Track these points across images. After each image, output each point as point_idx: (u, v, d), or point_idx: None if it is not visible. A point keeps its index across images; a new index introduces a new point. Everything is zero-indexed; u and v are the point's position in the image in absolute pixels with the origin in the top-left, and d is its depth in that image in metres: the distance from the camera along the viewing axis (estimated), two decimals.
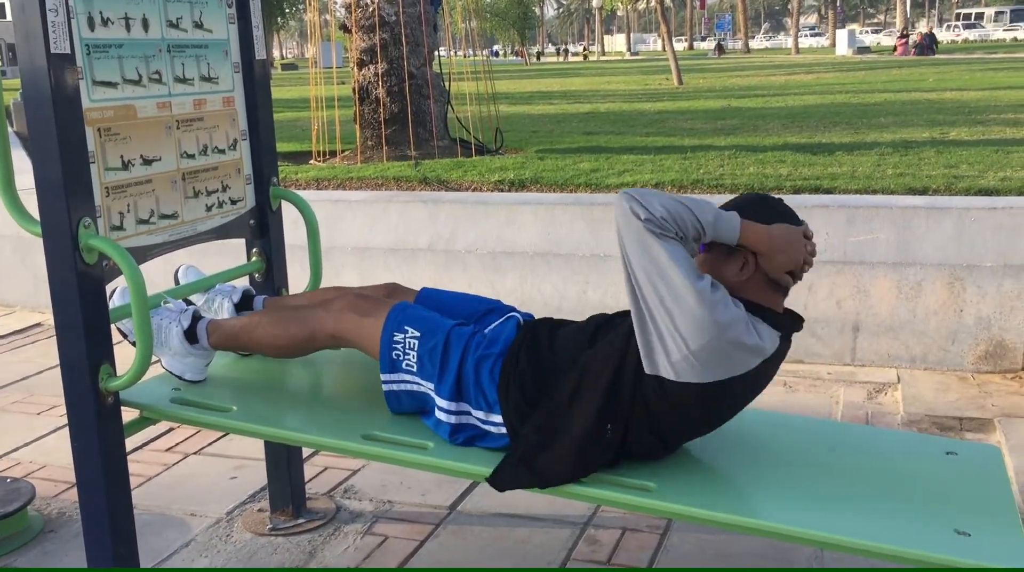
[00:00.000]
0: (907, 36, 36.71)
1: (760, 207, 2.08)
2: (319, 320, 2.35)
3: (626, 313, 2.09)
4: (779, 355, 2.08)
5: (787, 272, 2.06)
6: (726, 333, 1.93)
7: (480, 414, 2.18)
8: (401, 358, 2.24)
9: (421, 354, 2.22)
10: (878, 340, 4.31)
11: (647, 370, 2.01)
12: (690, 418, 2.10)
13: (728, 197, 4.82)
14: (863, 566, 2.59)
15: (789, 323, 2.10)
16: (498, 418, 2.16)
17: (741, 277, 2.03)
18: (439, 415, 2.21)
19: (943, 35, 62.36)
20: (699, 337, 1.93)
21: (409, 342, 2.24)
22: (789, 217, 2.09)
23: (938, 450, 2.37)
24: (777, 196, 2.16)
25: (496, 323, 2.37)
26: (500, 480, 2.10)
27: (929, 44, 33.89)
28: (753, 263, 2.03)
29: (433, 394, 2.22)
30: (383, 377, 2.28)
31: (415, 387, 2.26)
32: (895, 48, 36.08)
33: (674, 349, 1.96)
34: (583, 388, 2.07)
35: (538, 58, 61.84)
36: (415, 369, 2.24)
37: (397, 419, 2.30)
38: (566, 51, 66.89)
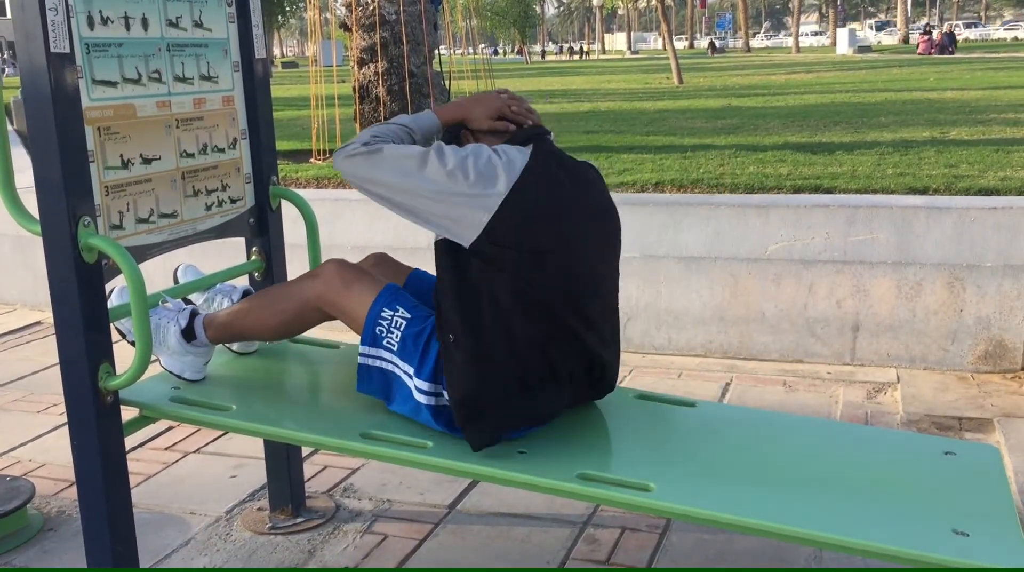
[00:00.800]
0: (930, 33, 35.78)
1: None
2: (307, 289, 2.34)
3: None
4: (539, 166, 2.15)
5: (497, 119, 2.29)
6: (467, 170, 2.09)
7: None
8: (384, 335, 2.24)
9: (406, 336, 2.22)
10: (878, 340, 4.31)
11: (463, 244, 2.11)
12: (527, 259, 2.13)
13: (728, 196, 4.81)
14: (861, 566, 2.60)
15: (523, 134, 2.26)
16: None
17: (473, 137, 2.29)
18: (419, 397, 2.20)
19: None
20: (452, 184, 2.09)
21: (396, 321, 2.23)
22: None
23: (937, 450, 2.37)
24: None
25: None
26: (472, 439, 2.14)
27: (948, 43, 33.60)
28: (470, 134, 2.30)
29: (409, 378, 2.22)
30: (361, 349, 2.27)
31: (390, 367, 2.25)
32: (918, 46, 35.22)
33: (458, 227, 2.11)
34: (448, 322, 2.14)
35: (543, 56, 61.80)
36: (395, 348, 2.23)
37: (396, 418, 2.30)
38: (571, 49, 66.76)
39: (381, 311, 2.25)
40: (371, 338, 2.25)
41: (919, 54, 32.64)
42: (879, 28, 68.17)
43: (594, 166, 2.33)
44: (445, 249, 2.15)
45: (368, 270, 2.41)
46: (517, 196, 2.09)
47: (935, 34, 35.48)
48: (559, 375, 2.18)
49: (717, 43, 55.43)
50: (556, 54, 65.83)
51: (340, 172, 2.21)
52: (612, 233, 2.33)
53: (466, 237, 2.09)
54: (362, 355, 2.28)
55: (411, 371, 2.22)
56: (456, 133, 2.34)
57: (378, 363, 2.26)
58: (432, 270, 2.30)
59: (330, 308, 2.33)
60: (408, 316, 2.24)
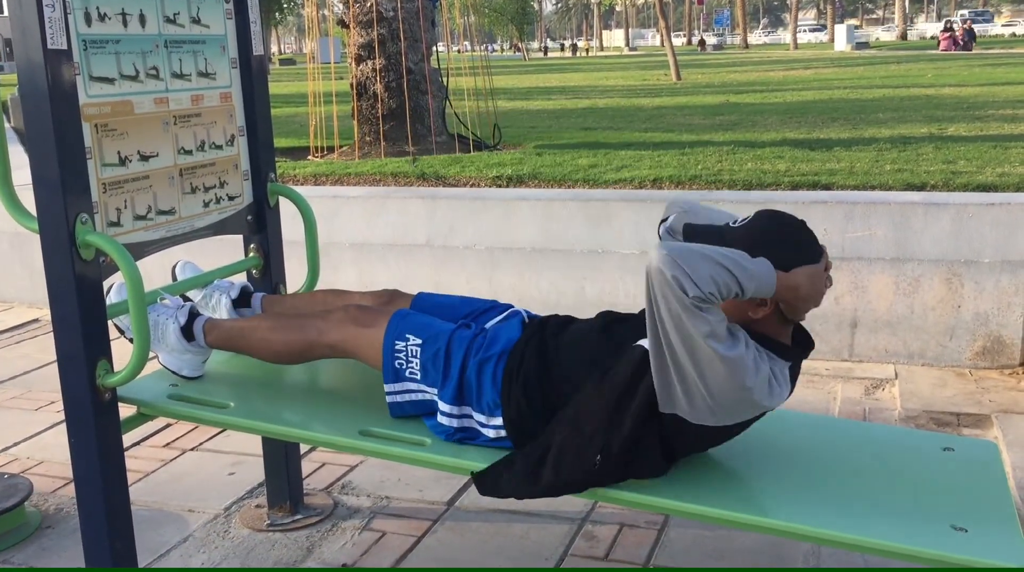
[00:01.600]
0: (952, 29, 34.16)
1: (784, 242, 2.01)
2: (318, 331, 2.34)
3: (637, 317, 2.07)
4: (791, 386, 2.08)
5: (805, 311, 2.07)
6: (751, 396, 1.94)
7: (481, 417, 2.18)
8: (404, 367, 2.24)
9: (424, 361, 2.21)
10: (876, 336, 4.31)
11: (662, 409, 1.99)
12: (702, 441, 2.11)
13: (726, 193, 4.80)
14: (860, 562, 2.60)
15: (798, 353, 2.10)
16: (498, 421, 2.16)
17: (759, 314, 2.01)
18: (441, 419, 2.21)
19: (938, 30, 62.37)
20: (725, 396, 1.93)
21: (411, 350, 2.23)
22: (810, 252, 2.03)
23: (935, 446, 2.37)
24: (800, 218, 2.10)
25: (496, 320, 2.37)
26: (484, 482, 2.11)
27: (969, 40, 32.49)
28: (772, 304, 2.00)
29: (436, 399, 2.22)
30: (387, 387, 2.26)
31: (420, 396, 2.25)
32: (938, 43, 33.78)
33: (699, 400, 1.95)
34: (585, 414, 2.05)
35: (545, 53, 61.66)
36: (419, 377, 2.23)
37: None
38: (573, 46, 66.52)
39: (394, 345, 2.25)
40: (393, 374, 2.25)
41: (941, 51, 31.38)
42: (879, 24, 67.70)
43: None
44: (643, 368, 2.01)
45: (378, 309, 2.39)
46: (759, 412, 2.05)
47: (957, 30, 34.02)
48: None
49: (708, 39, 55.38)
50: (560, 50, 65.46)
51: (663, 289, 1.85)
52: None
53: (695, 416, 1.98)
54: (389, 393, 2.27)
55: (435, 392, 2.22)
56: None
57: (408, 397, 2.27)
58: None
59: (342, 352, 2.35)
60: (420, 341, 2.23)
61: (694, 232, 2.08)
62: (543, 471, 2.06)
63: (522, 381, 2.14)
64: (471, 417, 2.19)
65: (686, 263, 1.83)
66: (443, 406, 2.20)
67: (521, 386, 2.14)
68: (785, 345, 2.06)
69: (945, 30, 34.58)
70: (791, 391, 2.07)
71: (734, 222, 2.07)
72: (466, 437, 2.20)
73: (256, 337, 2.42)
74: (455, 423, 2.19)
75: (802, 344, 2.13)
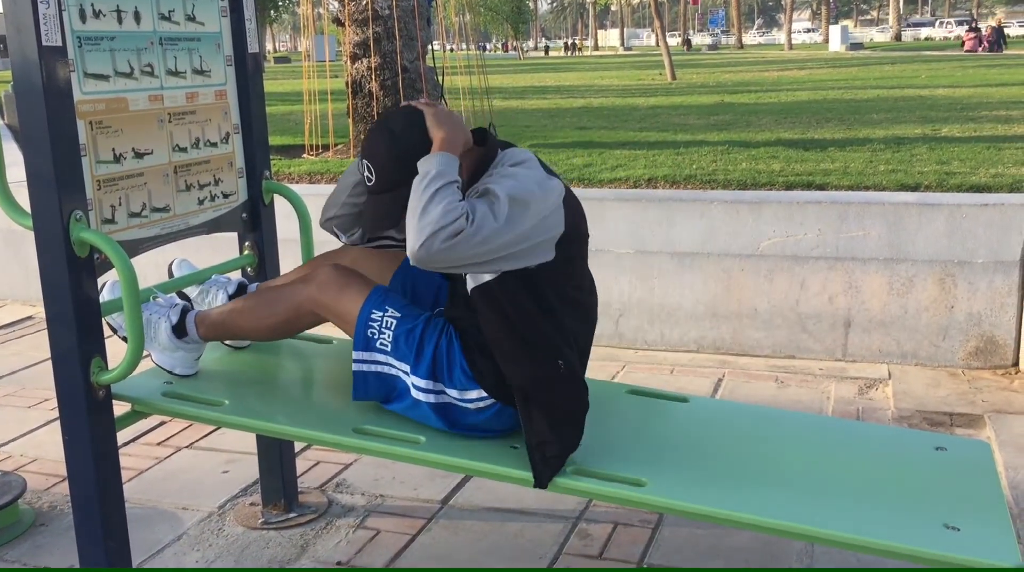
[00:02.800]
0: (977, 30, 32.64)
1: (404, 136, 2.13)
2: (301, 293, 2.34)
3: None
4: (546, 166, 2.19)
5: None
6: (545, 196, 2.07)
7: (455, 392, 2.19)
8: (376, 337, 2.23)
9: (397, 334, 2.22)
10: (869, 336, 4.32)
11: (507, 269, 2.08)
12: (559, 274, 2.15)
13: (721, 193, 4.81)
14: (853, 561, 2.61)
15: (491, 144, 2.21)
16: (474, 394, 2.18)
17: (464, 173, 2.13)
18: (416, 394, 2.21)
19: (935, 32, 62.49)
20: (503, 243, 2.02)
21: (387, 321, 2.23)
22: (410, 115, 2.15)
23: (928, 445, 2.38)
24: (406, 105, 2.22)
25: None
26: (542, 478, 2.12)
27: (997, 39, 30.93)
28: (459, 153, 2.14)
29: (406, 376, 2.22)
30: (355, 355, 2.26)
31: (386, 369, 2.24)
32: (962, 43, 32.24)
33: (541, 250, 2.09)
34: (505, 357, 2.13)
35: (546, 52, 61.59)
36: (389, 349, 2.23)
37: (389, 413, 2.30)
38: (573, 45, 66.32)
39: (371, 313, 2.24)
40: (364, 342, 2.25)
41: (966, 51, 30.06)
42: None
43: None
44: (490, 297, 2.11)
45: (361, 274, 2.39)
46: (568, 196, 2.14)
47: (985, 30, 32.44)
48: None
49: (704, 40, 55.33)
50: (565, 49, 65.19)
51: (419, 263, 2.01)
52: None
53: (546, 255, 2.10)
54: (356, 361, 2.26)
55: (407, 369, 2.22)
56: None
57: (374, 367, 2.26)
58: None
59: (323, 312, 2.33)
60: (398, 315, 2.24)
61: (376, 219, 2.22)
62: (546, 422, 2.11)
63: (478, 348, 2.18)
64: (445, 393, 2.21)
65: (431, 226, 1.95)
66: (418, 382, 2.20)
67: (479, 352, 2.18)
68: (486, 154, 2.19)
69: (970, 30, 33.08)
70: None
71: (368, 182, 2.19)
72: (448, 412, 2.21)
73: (244, 317, 2.42)
74: (432, 398, 2.20)
75: (479, 139, 2.22)
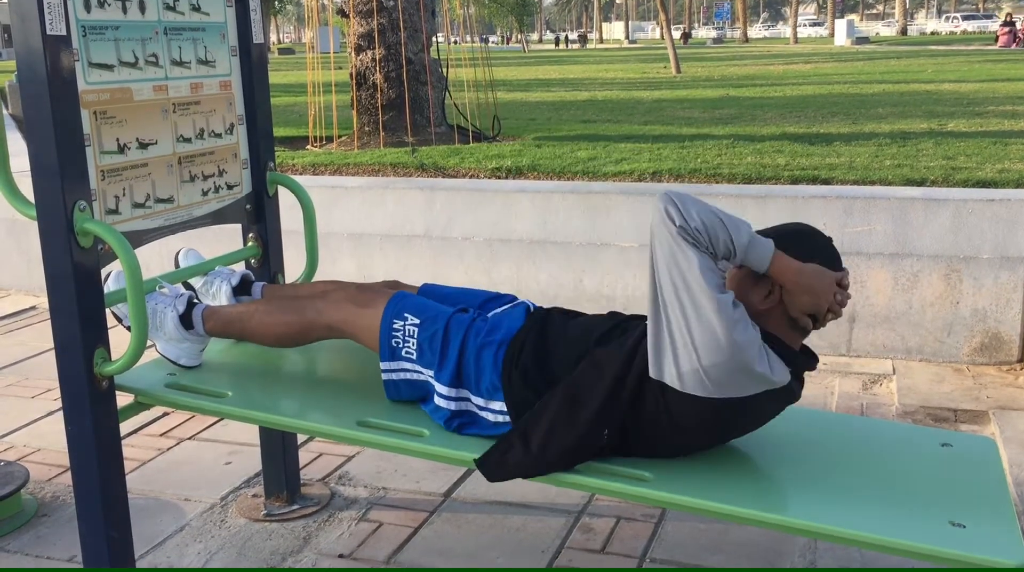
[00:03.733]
0: (1012, 24, 31.16)
1: (801, 241, 2.02)
2: (317, 310, 2.34)
3: (644, 318, 2.07)
4: (788, 392, 2.05)
5: (808, 314, 2.01)
6: (740, 353, 1.90)
7: (479, 401, 2.17)
8: (400, 346, 2.24)
9: (421, 341, 2.21)
10: (874, 331, 4.31)
11: (652, 374, 1.99)
12: (685, 431, 2.07)
13: (726, 187, 4.79)
14: (856, 557, 2.60)
15: (802, 361, 2.07)
16: (497, 405, 2.15)
17: (764, 305, 2.00)
18: (438, 401, 2.21)
19: (942, 26, 62.26)
20: (713, 352, 1.90)
21: (408, 329, 2.23)
22: (828, 258, 2.02)
23: (933, 442, 2.37)
24: (828, 235, 2.09)
25: (501, 309, 2.37)
26: (488, 465, 2.10)
27: None
28: (778, 295, 2.00)
29: (432, 381, 2.22)
30: (382, 365, 2.27)
31: (414, 376, 2.25)
32: (996, 38, 31.03)
33: (685, 359, 1.94)
34: (584, 387, 2.06)
35: (557, 44, 61.53)
36: (415, 356, 2.23)
37: (392, 406, 2.30)
38: (583, 37, 66.06)
39: (392, 323, 2.25)
40: (389, 352, 2.25)
41: (999, 47, 28.92)
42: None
43: None
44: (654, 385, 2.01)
45: (378, 289, 2.39)
46: (741, 405, 2.00)
47: (1020, 24, 31.25)
48: None
49: (710, 33, 55.17)
50: (578, 42, 64.92)
51: (655, 220, 1.91)
52: None
53: (681, 382, 1.96)
54: (384, 371, 2.27)
55: (432, 374, 2.22)
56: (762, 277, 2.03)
57: (403, 375, 2.26)
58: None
59: (339, 333, 2.35)
60: (418, 321, 2.23)
61: None
62: (540, 445, 2.06)
63: (522, 366, 2.15)
64: (469, 400, 2.19)
65: (680, 201, 1.89)
66: (440, 388, 2.20)
67: (521, 371, 2.14)
68: (792, 351, 2.04)
69: (1004, 24, 31.58)
70: (798, 395, 2.07)
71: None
72: (464, 422, 2.20)
73: (255, 321, 2.42)
74: (453, 406, 2.19)
75: (807, 355, 2.12)
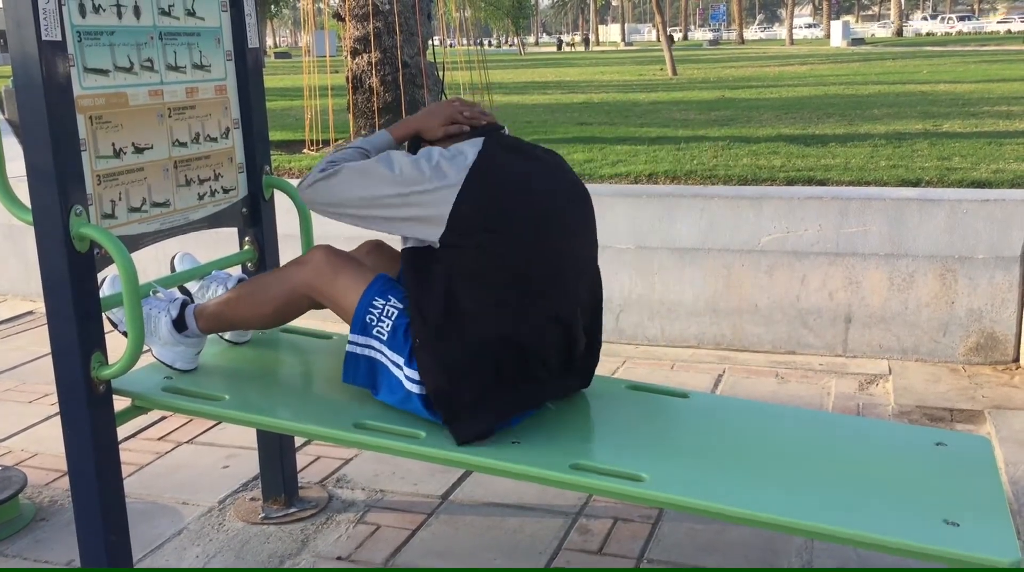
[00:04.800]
0: None
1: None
2: (295, 276, 2.34)
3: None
4: (493, 151, 2.19)
5: (451, 123, 2.32)
6: (425, 173, 2.13)
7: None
8: (374, 323, 2.23)
9: (396, 325, 2.21)
10: (870, 332, 4.32)
11: (433, 241, 2.12)
12: (489, 253, 2.15)
13: (722, 188, 4.80)
14: (852, 556, 2.61)
15: (482, 132, 2.29)
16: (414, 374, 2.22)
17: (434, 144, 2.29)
18: (409, 386, 2.20)
19: (937, 27, 62.37)
20: (423, 197, 2.12)
21: (388, 310, 2.22)
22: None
23: (928, 441, 2.38)
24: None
25: None
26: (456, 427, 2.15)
27: None
28: (427, 144, 2.31)
29: (399, 368, 2.21)
30: (350, 337, 2.26)
31: (379, 356, 2.24)
32: None
33: (425, 225, 2.13)
34: (416, 327, 2.17)
35: (559, 47, 61.59)
36: (385, 338, 2.22)
37: (389, 409, 2.30)
38: (587, 40, 65.97)
39: (373, 299, 2.24)
40: (361, 326, 2.25)
41: None
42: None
43: (557, 153, 2.36)
44: (410, 258, 2.18)
45: (358, 258, 2.40)
46: (474, 180, 2.11)
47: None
48: (532, 362, 2.21)
49: (704, 35, 55.09)
50: (585, 45, 64.72)
51: (306, 204, 2.29)
52: (588, 213, 2.36)
53: (433, 233, 2.11)
54: (351, 343, 2.27)
55: (401, 361, 2.21)
56: (415, 146, 2.36)
57: (367, 352, 2.26)
58: None
59: (319, 296, 2.33)
60: (400, 306, 2.23)
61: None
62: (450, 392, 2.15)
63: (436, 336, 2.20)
64: None
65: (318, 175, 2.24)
66: (412, 373, 2.19)
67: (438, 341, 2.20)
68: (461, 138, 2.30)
69: None
70: (487, 154, 2.19)
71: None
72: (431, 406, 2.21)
73: (240, 305, 2.42)
74: (424, 389, 2.19)
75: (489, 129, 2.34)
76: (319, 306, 2.38)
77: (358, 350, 2.26)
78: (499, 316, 2.14)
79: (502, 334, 2.14)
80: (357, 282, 2.27)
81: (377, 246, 2.57)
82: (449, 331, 2.12)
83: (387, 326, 2.22)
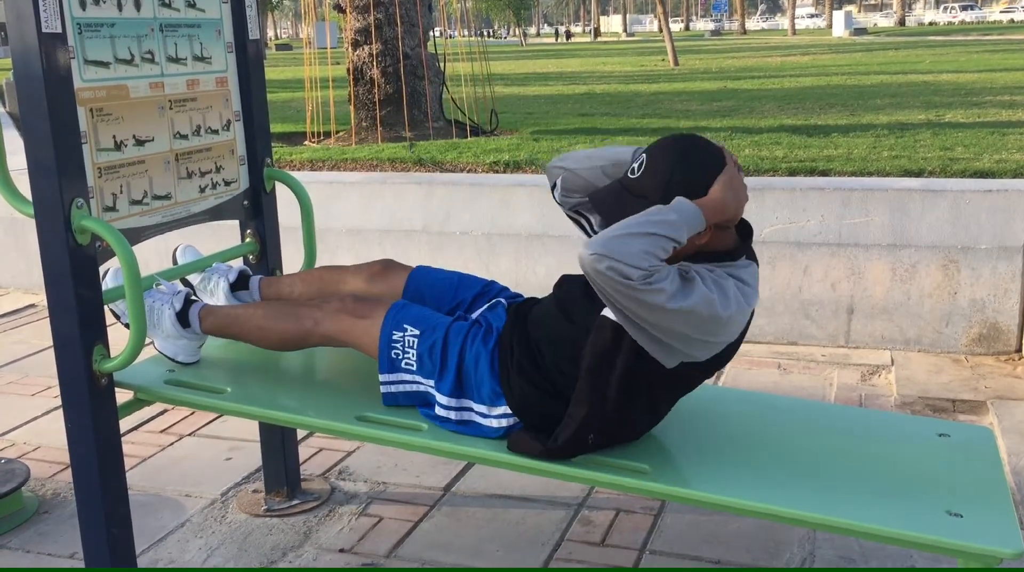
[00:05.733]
0: None
1: (688, 169, 2.02)
2: (314, 321, 2.33)
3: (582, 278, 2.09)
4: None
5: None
6: (730, 317, 1.97)
7: (482, 408, 2.17)
8: (400, 357, 2.23)
9: (421, 352, 2.21)
10: (872, 322, 4.32)
11: (670, 366, 2.01)
12: (695, 374, 2.13)
13: None
14: (855, 547, 2.61)
15: (747, 246, 2.14)
16: (500, 410, 2.16)
17: (702, 241, 2.02)
18: (439, 412, 2.21)
19: (940, 17, 62.19)
20: (712, 332, 1.99)
21: (408, 340, 2.23)
22: (712, 160, 2.03)
23: (931, 432, 2.38)
24: (687, 134, 2.11)
25: (483, 309, 2.37)
26: (514, 441, 2.13)
27: None
28: (710, 228, 2.02)
29: (433, 391, 2.22)
30: (381, 377, 2.26)
31: (414, 387, 2.25)
32: None
33: (697, 344, 2.01)
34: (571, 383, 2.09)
35: (568, 38, 61.45)
36: (415, 368, 2.22)
37: None
38: (596, 31, 65.73)
39: (391, 334, 2.24)
40: (389, 364, 2.25)
41: None
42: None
43: None
44: (613, 340, 2.01)
45: (374, 300, 2.38)
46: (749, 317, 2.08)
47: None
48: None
49: (707, 25, 54.87)
50: (591, 36, 64.37)
51: (590, 277, 1.91)
52: None
53: (690, 356, 2.02)
54: (384, 384, 2.27)
55: (432, 384, 2.22)
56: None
57: (403, 387, 2.26)
58: (434, 263, 2.26)
59: (339, 343, 2.35)
60: (417, 332, 2.23)
61: (601, 199, 2.10)
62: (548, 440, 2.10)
63: (517, 367, 2.15)
64: (471, 409, 2.19)
65: (615, 252, 1.85)
66: (441, 399, 2.20)
67: (517, 371, 2.14)
68: (733, 248, 2.09)
69: None
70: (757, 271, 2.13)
71: (632, 172, 2.07)
72: (466, 431, 2.20)
73: (252, 325, 2.42)
74: (453, 415, 2.19)
75: (743, 232, 2.15)
76: (332, 345, 2.41)
77: (393, 388, 2.27)
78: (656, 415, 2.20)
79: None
80: (376, 323, 2.26)
81: (387, 266, 2.55)
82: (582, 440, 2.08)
83: (413, 356, 2.22)
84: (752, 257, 2.14)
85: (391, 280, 2.51)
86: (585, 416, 2.03)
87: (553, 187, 2.28)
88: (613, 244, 1.86)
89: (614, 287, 1.86)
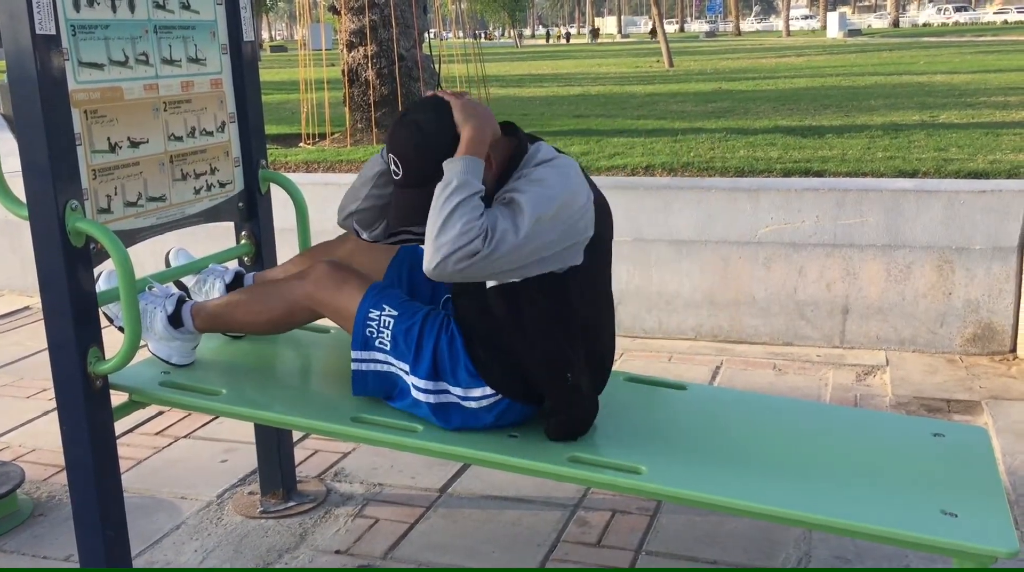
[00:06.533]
0: None
1: (429, 136, 2.07)
2: (296, 289, 2.33)
3: None
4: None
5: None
6: (574, 200, 2.04)
7: (459, 390, 2.18)
8: (375, 336, 2.23)
9: (396, 333, 2.21)
10: (867, 323, 4.32)
11: (561, 269, 2.08)
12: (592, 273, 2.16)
13: (719, 180, 4.80)
14: (850, 547, 2.61)
15: (520, 137, 2.16)
16: (478, 391, 2.17)
17: (492, 169, 2.08)
18: (416, 395, 2.20)
19: (934, 18, 62.34)
20: (572, 219, 2.04)
21: (384, 320, 2.22)
22: (438, 110, 2.08)
23: (926, 432, 2.38)
24: (415, 104, 2.18)
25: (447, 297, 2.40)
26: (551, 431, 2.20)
27: None
28: (488, 154, 2.07)
29: (406, 375, 2.22)
30: (353, 354, 2.25)
31: (385, 367, 2.24)
32: None
33: (573, 251, 2.09)
34: (513, 359, 2.16)
35: (567, 40, 61.49)
36: (388, 348, 2.22)
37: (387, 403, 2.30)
38: (595, 31, 65.73)
39: (368, 312, 2.23)
40: (362, 341, 2.24)
41: None
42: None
43: None
44: (509, 298, 2.11)
45: (357, 270, 2.37)
46: (590, 186, 2.14)
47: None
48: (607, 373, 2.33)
49: (702, 27, 54.94)
50: (591, 37, 64.36)
51: (453, 280, 2.01)
52: None
53: (576, 258, 2.09)
54: (355, 360, 2.26)
55: (407, 368, 2.21)
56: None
57: (373, 366, 2.25)
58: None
59: (320, 309, 2.34)
60: (395, 313, 2.22)
61: (402, 215, 2.15)
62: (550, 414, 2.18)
63: (482, 347, 2.17)
64: (448, 392, 2.19)
65: (445, 247, 1.91)
66: (417, 382, 2.19)
67: (483, 351, 2.17)
68: (515, 148, 2.13)
69: None
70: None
71: (396, 174, 2.12)
72: (449, 413, 2.20)
73: (240, 311, 2.42)
74: (432, 398, 2.19)
75: (509, 129, 2.18)
76: (320, 317, 2.39)
77: (363, 366, 2.26)
78: (604, 330, 2.28)
79: (606, 349, 2.29)
80: (356, 296, 2.26)
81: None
82: (561, 388, 2.17)
83: (387, 336, 2.22)
84: (530, 139, 2.18)
85: (376, 253, 2.49)
86: (546, 361, 2.12)
87: (358, 234, 2.35)
88: (438, 243, 1.93)
89: (477, 268, 1.94)
